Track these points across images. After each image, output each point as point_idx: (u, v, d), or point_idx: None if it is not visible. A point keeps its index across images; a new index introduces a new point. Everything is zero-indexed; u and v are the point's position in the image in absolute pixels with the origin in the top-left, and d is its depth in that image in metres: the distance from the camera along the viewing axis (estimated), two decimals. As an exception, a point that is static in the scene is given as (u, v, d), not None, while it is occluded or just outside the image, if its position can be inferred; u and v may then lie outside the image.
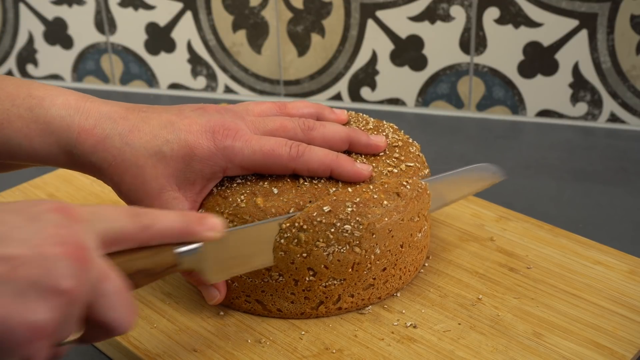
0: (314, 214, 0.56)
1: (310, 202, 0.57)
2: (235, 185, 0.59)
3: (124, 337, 0.59)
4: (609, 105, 0.96)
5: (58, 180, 0.82)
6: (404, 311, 0.61)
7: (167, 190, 0.56)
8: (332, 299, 0.59)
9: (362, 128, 0.66)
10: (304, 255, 0.57)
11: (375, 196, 0.58)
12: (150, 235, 0.46)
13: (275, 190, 0.58)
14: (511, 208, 0.75)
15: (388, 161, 0.62)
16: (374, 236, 0.58)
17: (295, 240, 0.56)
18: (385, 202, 0.58)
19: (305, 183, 0.58)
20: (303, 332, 0.59)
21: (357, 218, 0.57)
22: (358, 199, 0.57)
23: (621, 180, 0.86)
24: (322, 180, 0.59)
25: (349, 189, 0.58)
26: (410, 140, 0.66)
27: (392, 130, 0.67)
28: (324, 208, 0.56)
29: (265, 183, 0.58)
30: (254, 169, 0.58)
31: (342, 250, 0.57)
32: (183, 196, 0.57)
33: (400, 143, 0.65)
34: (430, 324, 0.60)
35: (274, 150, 0.57)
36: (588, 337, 0.58)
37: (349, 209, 0.57)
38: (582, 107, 0.98)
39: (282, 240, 0.56)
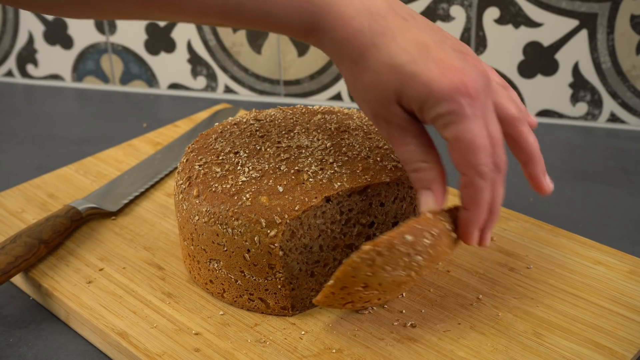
0: (396, 242, 0.52)
1: (315, 198, 0.57)
2: (240, 183, 0.59)
3: (124, 337, 0.59)
4: (609, 105, 0.96)
5: (58, 180, 0.82)
6: (404, 311, 0.61)
7: (393, 103, 0.53)
8: (362, 301, 0.59)
9: (365, 124, 0.66)
10: (369, 274, 0.54)
11: (448, 227, 0.55)
12: None
13: (281, 189, 0.58)
14: (511, 208, 0.75)
15: (392, 156, 0.62)
16: (434, 265, 0.56)
17: (369, 262, 0.53)
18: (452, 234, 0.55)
19: (310, 180, 0.58)
20: (303, 332, 0.59)
21: (430, 251, 0.54)
22: (436, 231, 0.53)
23: (621, 180, 0.86)
24: (327, 176, 0.59)
25: (429, 215, 0.54)
26: None
27: None
28: (407, 237, 0.52)
29: (270, 181, 0.59)
30: (452, 153, 0.53)
31: (402, 274, 0.55)
32: (406, 114, 0.54)
33: None
34: (430, 324, 0.60)
35: (480, 150, 0.52)
36: (588, 337, 0.58)
37: (427, 241, 0.53)
38: (582, 107, 0.98)
39: (357, 259, 0.53)
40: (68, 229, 0.70)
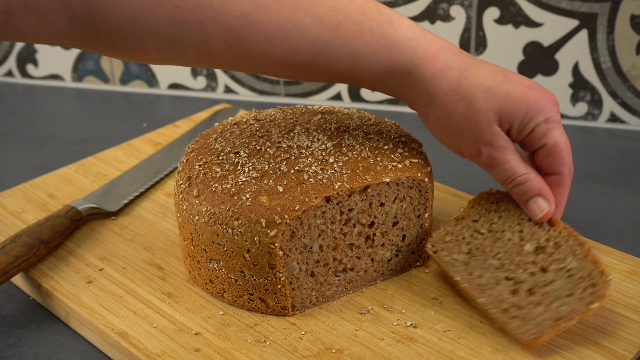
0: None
1: (315, 198, 0.57)
2: (240, 183, 0.59)
3: (124, 337, 0.59)
4: (609, 105, 0.96)
5: (58, 180, 0.82)
6: (404, 311, 0.61)
7: (494, 124, 0.58)
8: None
9: (365, 124, 0.66)
10: None
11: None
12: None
13: (281, 189, 0.58)
14: (511, 208, 0.75)
15: (392, 156, 0.62)
16: None
17: None
18: None
19: (310, 180, 0.58)
20: (303, 332, 0.59)
21: None
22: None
23: (621, 180, 0.86)
24: (327, 176, 0.59)
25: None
26: (413, 138, 0.66)
27: (394, 127, 0.67)
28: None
29: (270, 181, 0.59)
30: (540, 158, 0.61)
31: None
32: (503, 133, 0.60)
33: (403, 139, 0.65)
34: (430, 324, 0.60)
35: (570, 151, 0.61)
36: (588, 337, 0.58)
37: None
38: (582, 107, 0.98)
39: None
40: (68, 229, 0.70)
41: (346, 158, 0.61)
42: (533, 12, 0.94)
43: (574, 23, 0.93)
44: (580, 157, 0.91)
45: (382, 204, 0.62)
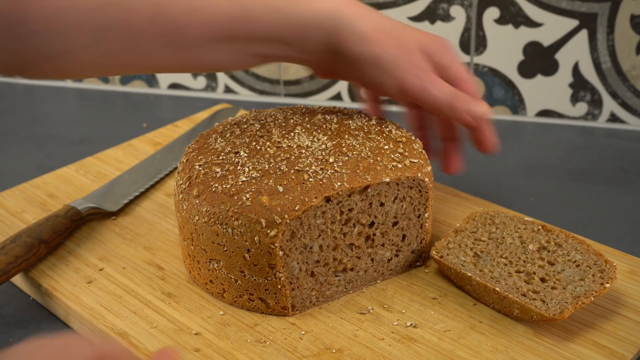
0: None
1: (315, 198, 0.57)
2: (240, 183, 0.59)
3: (124, 337, 0.59)
4: (609, 105, 0.96)
5: (58, 180, 0.82)
6: (404, 311, 0.61)
7: (419, 53, 0.63)
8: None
9: (365, 124, 0.66)
10: None
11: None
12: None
13: (281, 189, 0.58)
14: (511, 208, 0.75)
15: (392, 156, 0.62)
16: None
17: None
18: None
19: (310, 179, 0.58)
20: (303, 332, 0.59)
21: None
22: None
23: (621, 180, 0.86)
24: (327, 176, 0.59)
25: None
26: (413, 138, 0.66)
27: (394, 127, 0.67)
28: None
29: (271, 181, 0.58)
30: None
31: None
32: None
33: (404, 139, 0.65)
34: (430, 324, 0.60)
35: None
36: (588, 337, 0.58)
37: None
38: (582, 107, 0.98)
39: None
40: (68, 229, 0.70)
41: (346, 158, 0.61)
42: (533, 12, 0.94)
43: (574, 23, 0.93)
44: (580, 157, 0.91)
45: (382, 204, 0.61)
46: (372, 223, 0.62)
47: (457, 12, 0.96)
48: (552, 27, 0.94)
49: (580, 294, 0.59)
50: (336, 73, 0.66)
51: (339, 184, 0.58)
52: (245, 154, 0.62)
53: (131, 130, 0.98)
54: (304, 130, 0.65)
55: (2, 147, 0.96)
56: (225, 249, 0.59)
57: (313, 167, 0.60)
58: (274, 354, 0.57)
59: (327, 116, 0.68)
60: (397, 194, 0.62)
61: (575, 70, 0.96)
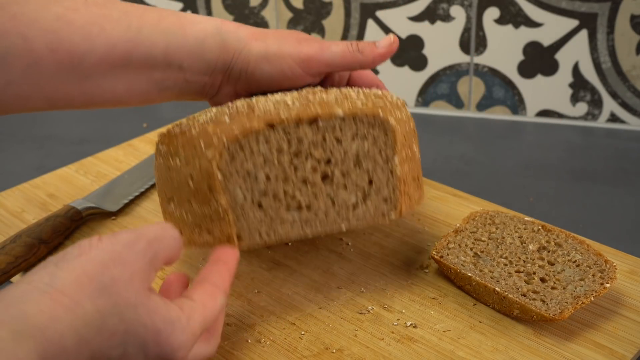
0: None
1: (257, 124, 0.56)
2: (196, 124, 0.58)
3: (124, 337, 0.59)
4: (609, 105, 0.96)
5: (58, 180, 0.82)
6: (404, 311, 0.61)
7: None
8: None
9: (365, 90, 0.63)
10: None
11: None
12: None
13: (227, 119, 0.57)
14: (511, 208, 0.75)
15: (357, 99, 0.60)
16: None
17: None
18: None
19: (259, 112, 0.57)
20: (303, 332, 0.59)
21: None
22: None
23: (621, 180, 0.86)
24: (277, 107, 0.57)
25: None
26: (396, 96, 0.63)
27: (394, 97, 0.63)
28: None
29: (225, 117, 0.57)
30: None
31: None
32: None
33: (380, 94, 0.62)
34: (430, 324, 0.60)
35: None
36: (588, 337, 0.58)
37: None
38: (582, 107, 0.98)
39: None
40: (68, 229, 0.70)
41: (305, 101, 0.59)
42: (533, 12, 0.94)
43: (574, 23, 0.93)
44: (580, 157, 0.91)
45: (338, 141, 0.58)
46: (329, 160, 0.59)
47: (457, 12, 0.96)
48: (552, 27, 0.94)
49: (580, 294, 0.59)
50: (235, 92, 0.67)
51: (286, 113, 0.57)
52: (215, 110, 0.60)
53: (131, 130, 0.98)
54: (283, 94, 0.62)
55: (2, 147, 0.96)
56: (175, 183, 0.58)
57: (268, 105, 0.58)
58: (274, 354, 0.57)
59: (315, 88, 0.64)
60: (357, 132, 0.58)
61: (575, 70, 0.96)
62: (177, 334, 0.45)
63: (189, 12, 0.65)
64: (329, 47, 0.63)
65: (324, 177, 0.59)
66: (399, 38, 1.00)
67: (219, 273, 0.52)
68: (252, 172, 0.57)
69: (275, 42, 0.62)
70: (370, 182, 0.60)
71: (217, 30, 0.62)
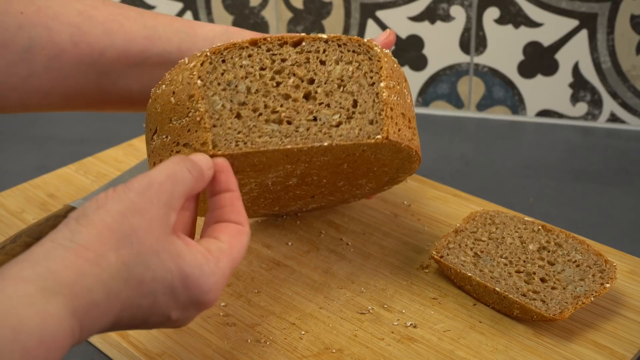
0: None
1: (242, 41, 0.57)
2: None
3: (124, 337, 0.59)
4: (609, 105, 0.96)
5: (58, 180, 0.82)
6: (404, 311, 0.61)
7: None
8: None
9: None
10: None
11: None
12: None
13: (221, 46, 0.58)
14: (511, 208, 0.75)
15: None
16: None
17: None
18: None
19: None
20: (303, 332, 0.59)
21: None
22: None
23: (621, 180, 0.86)
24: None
25: None
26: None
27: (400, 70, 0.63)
28: None
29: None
30: None
31: None
32: None
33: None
34: (430, 323, 0.60)
35: None
36: (588, 337, 0.58)
37: None
38: (582, 107, 0.98)
39: None
40: (68, 229, 0.70)
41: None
42: (533, 12, 0.94)
43: (574, 23, 0.93)
44: (580, 157, 0.91)
45: (322, 62, 0.58)
46: (312, 80, 0.58)
47: (457, 12, 0.96)
48: (552, 27, 0.94)
49: (580, 294, 0.59)
50: None
51: (271, 35, 0.58)
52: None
53: (131, 130, 0.98)
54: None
55: (2, 147, 0.96)
56: (158, 109, 0.58)
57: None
58: (274, 354, 0.57)
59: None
60: (341, 56, 0.59)
61: (575, 70, 0.96)
62: (206, 276, 0.45)
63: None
64: None
65: (307, 95, 0.58)
66: (399, 38, 1.00)
67: (232, 207, 0.52)
68: (232, 82, 0.57)
69: None
70: (355, 103, 0.59)
71: (224, 31, 0.64)
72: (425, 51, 1.00)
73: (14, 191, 0.80)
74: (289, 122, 0.58)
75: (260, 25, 1.04)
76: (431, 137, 0.96)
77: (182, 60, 0.59)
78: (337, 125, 0.58)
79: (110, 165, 0.85)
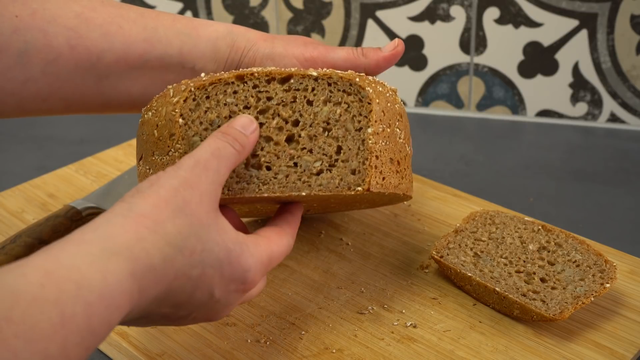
0: None
1: (228, 75, 0.56)
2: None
3: (124, 337, 0.59)
4: (609, 105, 0.96)
5: (58, 180, 0.82)
6: (404, 311, 0.61)
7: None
8: None
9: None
10: None
11: None
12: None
13: (204, 75, 0.57)
14: (511, 208, 0.75)
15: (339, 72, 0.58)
16: None
17: None
18: None
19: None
20: (303, 332, 0.59)
21: None
22: None
23: (621, 180, 0.86)
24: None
25: None
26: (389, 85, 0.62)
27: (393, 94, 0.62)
28: None
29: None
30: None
31: None
32: None
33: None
34: (430, 323, 0.60)
35: None
36: (588, 337, 0.58)
37: None
38: (582, 107, 0.98)
39: None
40: (68, 229, 0.70)
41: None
42: (533, 12, 0.94)
43: (574, 23, 0.93)
44: (580, 157, 0.91)
45: (309, 102, 0.57)
46: (297, 122, 0.57)
47: (457, 12, 0.96)
48: (552, 27, 0.94)
49: (580, 294, 0.59)
50: None
51: (259, 69, 0.56)
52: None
53: (131, 130, 0.98)
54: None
55: (2, 147, 0.96)
56: (145, 137, 0.58)
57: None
58: (274, 354, 0.57)
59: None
60: (330, 97, 0.57)
61: (575, 70, 0.96)
62: (246, 255, 0.48)
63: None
64: (334, 50, 0.64)
65: (289, 139, 0.57)
66: (399, 38, 1.00)
67: (285, 219, 0.55)
68: (215, 122, 0.55)
69: (282, 44, 0.63)
70: (339, 150, 0.57)
71: (228, 31, 0.63)
72: (425, 51, 1.00)
73: (14, 191, 0.80)
74: (268, 168, 0.56)
75: (260, 25, 1.04)
76: (431, 137, 0.96)
77: (168, 89, 0.57)
78: (318, 174, 0.56)
79: (110, 165, 0.85)
